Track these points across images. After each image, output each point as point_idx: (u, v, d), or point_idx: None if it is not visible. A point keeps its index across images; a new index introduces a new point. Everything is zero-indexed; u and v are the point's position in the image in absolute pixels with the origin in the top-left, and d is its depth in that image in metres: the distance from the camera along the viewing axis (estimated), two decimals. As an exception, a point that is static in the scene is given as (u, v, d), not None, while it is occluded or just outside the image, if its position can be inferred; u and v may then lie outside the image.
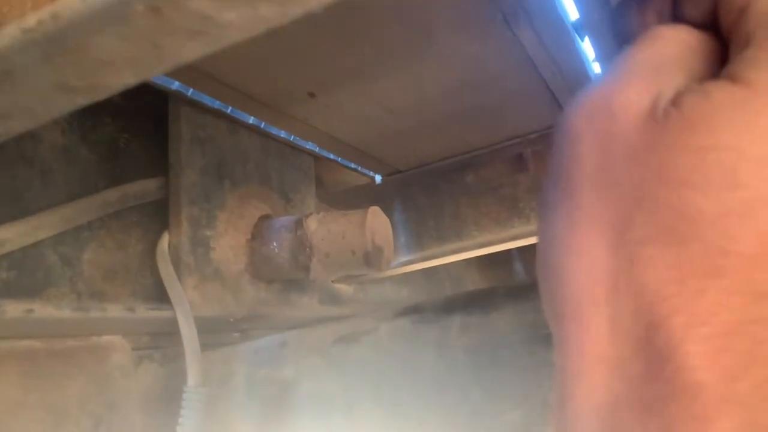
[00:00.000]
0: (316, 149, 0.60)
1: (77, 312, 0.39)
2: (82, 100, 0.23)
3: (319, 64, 0.43)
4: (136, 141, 0.49)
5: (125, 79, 0.22)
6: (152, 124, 0.50)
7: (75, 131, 0.45)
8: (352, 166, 0.66)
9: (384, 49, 0.42)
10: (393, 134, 0.57)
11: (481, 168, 0.64)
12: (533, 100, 0.52)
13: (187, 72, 0.43)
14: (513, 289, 0.40)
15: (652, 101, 0.16)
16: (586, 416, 0.15)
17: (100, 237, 0.45)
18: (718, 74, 0.16)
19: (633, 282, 0.15)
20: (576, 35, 0.44)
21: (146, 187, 0.47)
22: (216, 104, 0.49)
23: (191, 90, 0.46)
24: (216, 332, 0.52)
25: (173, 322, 0.43)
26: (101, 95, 0.23)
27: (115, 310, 0.41)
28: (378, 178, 0.69)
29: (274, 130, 0.55)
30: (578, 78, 0.48)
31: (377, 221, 0.48)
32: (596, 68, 0.47)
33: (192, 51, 0.21)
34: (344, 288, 0.68)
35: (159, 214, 0.48)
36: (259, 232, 0.51)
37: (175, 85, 0.45)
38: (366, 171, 0.68)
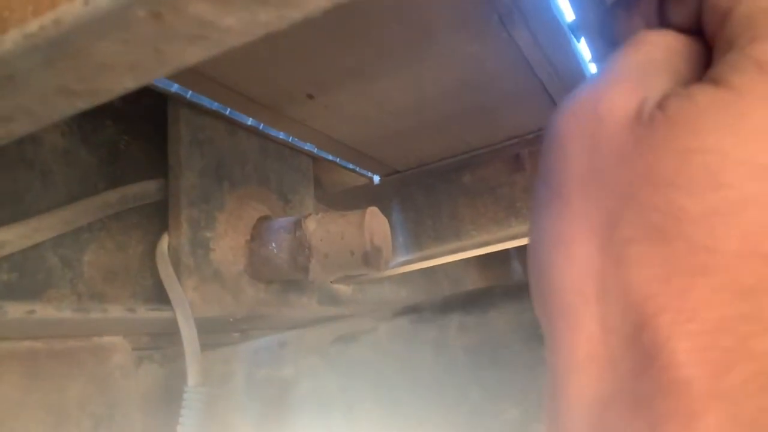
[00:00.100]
0: (315, 150, 0.61)
1: (78, 313, 0.39)
2: (83, 104, 0.23)
3: (317, 65, 0.43)
4: (136, 143, 0.49)
5: (126, 83, 0.22)
6: (152, 126, 0.50)
7: (75, 134, 0.45)
8: (351, 166, 0.66)
9: (382, 50, 0.42)
10: (391, 135, 0.57)
11: (478, 168, 0.64)
12: (530, 101, 0.52)
13: (186, 74, 0.43)
14: (511, 288, 0.40)
15: (638, 104, 0.16)
16: (577, 413, 0.15)
17: (100, 238, 0.45)
18: (703, 78, 0.16)
19: (620, 281, 0.15)
20: (572, 36, 0.45)
21: (146, 188, 0.48)
22: (215, 106, 0.49)
23: (190, 92, 0.46)
24: (216, 332, 0.52)
25: (173, 323, 0.43)
26: (102, 99, 0.23)
27: (115, 311, 0.41)
28: (376, 179, 0.69)
29: (273, 132, 0.55)
30: (574, 79, 0.48)
31: (376, 221, 0.49)
32: (592, 69, 0.47)
33: (192, 55, 0.21)
34: (343, 288, 0.69)
35: (159, 216, 0.48)
36: (258, 233, 0.51)
37: (175, 87, 0.45)
38: (364, 171, 0.68)
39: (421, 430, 0.38)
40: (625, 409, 0.14)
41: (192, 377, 0.42)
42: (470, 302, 0.41)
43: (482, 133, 0.60)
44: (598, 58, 0.42)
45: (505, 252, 0.78)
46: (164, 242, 0.46)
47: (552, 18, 0.42)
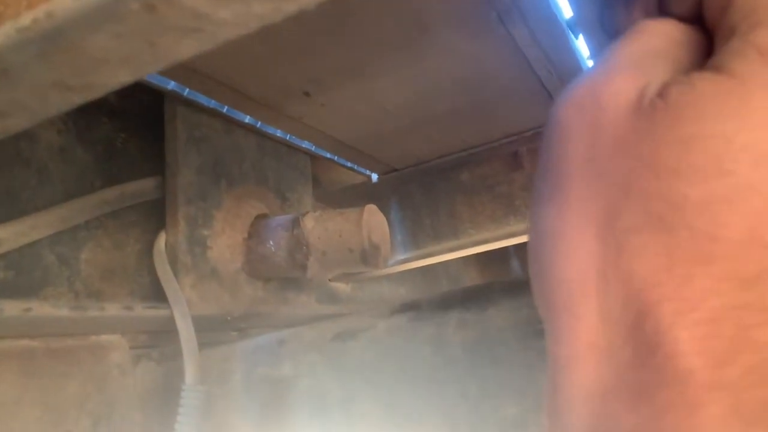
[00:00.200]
0: (313, 148, 0.61)
1: (75, 311, 0.39)
2: (79, 99, 0.23)
3: (314, 62, 0.43)
4: (133, 141, 0.49)
5: (121, 77, 0.22)
6: (148, 123, 0.50)
7: (71, 131, 0.45)
8: (349, 164, 0.66)
9: (379, 47, 0.42)
10: (389, 133, 0.57)
11: (476, 166, 0.64)
12: (528, 98, 0.52)
13: (182, 71, 0.43)
14: (509, 285, 0.40)
15: (639, 93, 0.16)
16: (578, 404, 0.15)
17: (97, 237, 0.45)
18: (704, 66, 0.16)
19: (622, 270, 0.15)
20: (570, 33, 0.44)
21: (143, 186, 0.47)
22: (212, 104, 0.49)
23: (187, 90, 0.46)
24: (213, 331, 0.52)
25: (171, 321, 0.43)
26: (97, 93, 0.23)
27: (112, 309, 0.41)
28: (374, 177, 0.69)
29: (270, 129, 0.55)
30: (573, 76, 0.48)
31: (374, 219, 0.49)
32: (590, 66, 0.47)
33: (187, 49, 0.21)
34: (341, 286, 0.69)
35: (156, 214, 0.48)
36: (255, 231, 0.51)
37: (171, 84, 0.45)
38: (362, 170, 0.68)
39: (420, 426, 0.38)
40: (626, 399, 0.14)
41: (190, 376, 0.42)
42: (469, 299, 0.41)
43: (480, 131, 0.60)
44: (596, 55, 0.42)
45: (504, 250, 0.78)
46: (161, 240, 0.46)
47: (550, 15, 0.41)
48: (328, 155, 0.63)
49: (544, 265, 0.17)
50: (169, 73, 0.43)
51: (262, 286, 0.52)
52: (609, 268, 0.15)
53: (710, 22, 0.18)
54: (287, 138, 0.57)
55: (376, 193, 0.68)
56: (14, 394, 0.38)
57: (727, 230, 0.14)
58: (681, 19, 0.19)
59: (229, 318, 0.49)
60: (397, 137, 0.58)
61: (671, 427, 0.13)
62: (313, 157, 0.63)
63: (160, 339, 0.49)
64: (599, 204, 0.16)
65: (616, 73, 0.17)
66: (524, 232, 0.61)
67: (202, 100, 0.48)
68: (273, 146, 0.57)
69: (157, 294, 0.45)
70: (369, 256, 0.47)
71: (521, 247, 0.72)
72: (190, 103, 0.48)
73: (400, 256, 0.67)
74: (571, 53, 0.46)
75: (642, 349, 0.14)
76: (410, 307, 0.42)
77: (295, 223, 0.49)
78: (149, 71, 0.22)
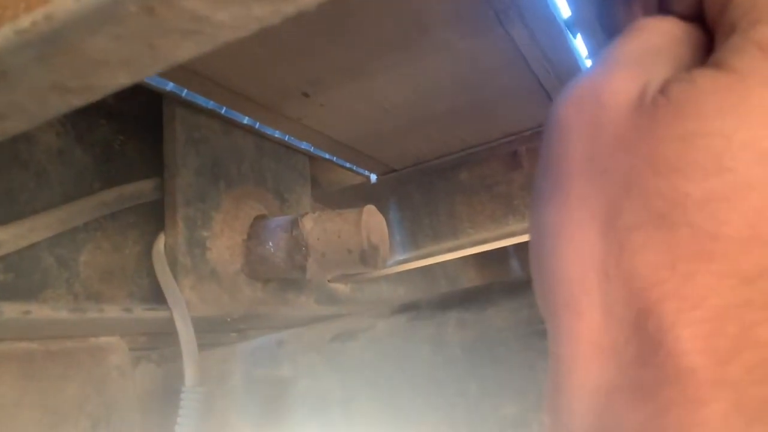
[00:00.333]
0: (311, 149, 0.61)
1: (74, 313, 0.39)
2: (78, 101, 0.23)
3: (312, 63, 0.43)
4: (131, 142, 0.49)
5: (120, 79, 0.22)
6: (147, 125, 0.50)
7: (70, 133, 0.45)
8: (347, 165, 0.66)
9: (377, 47, 0.42)
10: (387, 133, 0.57)
11: (475, 166, 0.64)
12: (527, 98, 0.52)
13: (181, 73, 0.43)
14: (509, 285, 0.40)
15: (639, 90, 0.16)
16: (580, 402, 0.15)
17: (96, 238, 0.45)
18: (705, 63, 0.16)
19: (623, 268, 0.15)
20: (568, 32, 0.45)
21: (142, 188, 0.47)
22: (210, 105, 0.49)
23: (185, 91, 0.46)
24: (213, 333, 0.52)
25: (170, 323, 0.43)
26: (96, 96, 0.23)
27: (112, 311, 0.41)
28: (373, 177, 0.69)
29: (269, 130, 0.55)
30: (571, 75, 0.48)
31: (373, 220, 0.49)
32: (589, 65, 0.47)
33: (186, 51, 0.21)
34: (341, 287, 0.69)
35: (155, 216, 0.48)
36: (254, 232, 0.51)
37: (170, 86, 0.45)
38: (361, 170, 0.68)
39: (420, 426, 0.38)
40: (629, 397, 0.14)
41: (189, 377, 0.42)
42: (468, 299, 0.41)
43: (479, 131, 0.60)
44: (595, 54, 0.42)
45: (503, 250, 0.78)
46: (160, 241, 0.46)
47: (548, 14, 0.42)
48: (327, 156, 0.63)
49: (545, 263, 0.17)
50: (168, 74, 0.43)
51: (261, 287, 0.52)
52: (611, 267, 0.15)
53: (710, 20, 0.18)
54: (286, 139, 0.57)
55: (375, 193, 0.68)
56: (13, 396, 0.38)
57: (728, 228, 0.14)
58: (681, 17, 0.19)
59: (228, 319, 0.49)
60: (395, 137, 0.58)
61: (674, 425, 0.13)
62: (312, 158, 0.63)
63: (159, 341, 0.49)
64: (600, 202, 0.16)
65: (616, 71, 0.17)
66: (523, 231, 0.61)
67: (201, 101, 0.48)
68: (272, 147, 0.57)
69: (156, 296, 0.45)
70: (368, 256, 0.47)
71: (520, 247, 0.72)
72: (188, 105, 0.48)
73: (399, 257, 0.67)
74: (570, 53, 0.46)
75: (644, 347, 0.14)
76: (409, 308, 0.42)
77: (294, 224, 0.49)
78: (148, 73, 0.22)
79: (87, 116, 0.46)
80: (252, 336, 0.53)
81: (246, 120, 0.53)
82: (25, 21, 0.19)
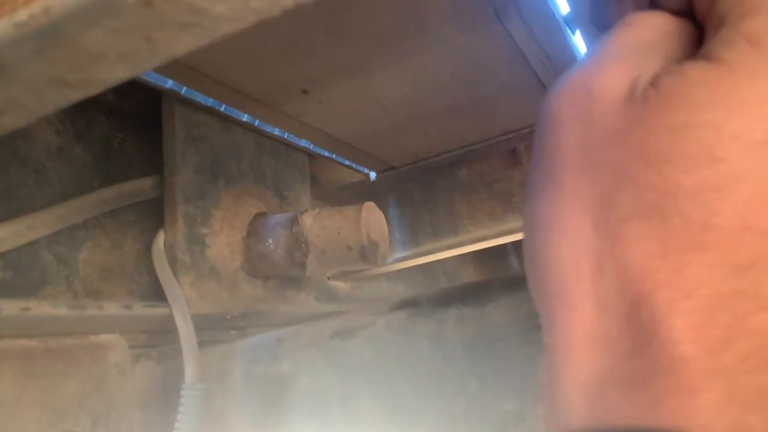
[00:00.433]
0: (311, 146, 0.61)
1: (74, 310, 0.39)
2: (76, 95, 0.23)
3: (312, 59, 0.43)
4: (130, 140, 0.49)
5: (119, 73, 0.22)
6: (146, 123, 0.50)
7: (69, 131, 0.45)
8: (347, 163, 0.66)
9: (375, 43, 0.42)
10: (386, 130, 0.57)
11: (474, 163, 0.64)
12: (526, 95, 0.52)
13: (180, 70, 0.43)
14: (508, 281, 0.40)
15: (630, 83, 0.16)
16: (575, 394, 0.15)
17: (95, 236, 0.45)
18: (695, 56, 0.16)
19: (616, 260, 0.15)
20: (567, 29, 0.45)
21: (141, 185, 0.47)
22: (209, 102, 0.49)
23: (184, 88, 0.46)
24: (213, 330, 0.52)
25: (170, 320, 0.43)
26: (95, 90, 0.23)
27: (111, 308, 0.41)
28: (372, 175, 0.69)
29: (268, 128, 0.55)
30: (570, 71, 0.48)
31: (372, 216, 0.49)
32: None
33: (184, 44, 0.21)
34: (341, 285, 0.69)
35: (154, 213, 0.48)
36: (254, 229, 0.51)
37: (169, 83, 0.45)
38: (360, 168, 0.68)
39: (419, 422, 0.38)
40: (623, 387, 0.14)
41: (189, 374, 0.42)
42: (467, 295, 0.41)
43: (478, 128, 0.60)
44: (589, 49, 0.42)
45: (503, 247, 0.78)
46: (160, 239, 0.46)
47: (547, 10, 0.42)
48: (326, 153, 0.63)
49: (538, 255, 0.17)
50: (167, 71, 0.43)
51: (261, 285, 0.52)
52: (603, 258, 0.16)
53: (700, 14, 0.18)
54: (285, 136, 0.57)
55: (375, 191, 0.68)
56: (13, 393, 0.38)
57: (720, 218, 0.14)
58: (672, 11, 0.19)
59: (228, 317, 0.49)
60: (394, 134, 0.58)
61: (667, 415, 0.14)
62: (312, 156, 0.63)
63: (159, 339, 0.49)
64: (593, 194, 0.16)
65: (607, 65, 0.17)
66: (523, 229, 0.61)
67: (200, 98, 0.48)
68: (271, 145, 0.57)
69: (155, 293, 0.45)
70: (368, 253, 0.47)
71: (520, 244, 0.71)
72: (187, 102, 0.48)
73: (399, 254, 0.67)
74: (568, 49, 0.46)
75: (637, 338, 0.14)
76: (409, 304, 0.42)
77: (294, 221, 0.49)
78: (147, 67, 0.22)
79: (86, 114, 0.46)
80: (252, 333, 0.53)
81: (245, 117, 0.53)
82: (23, 14, 0.19)
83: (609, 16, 0.21)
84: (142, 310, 0.43)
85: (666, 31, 0.18)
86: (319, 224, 0.48)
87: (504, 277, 0.40)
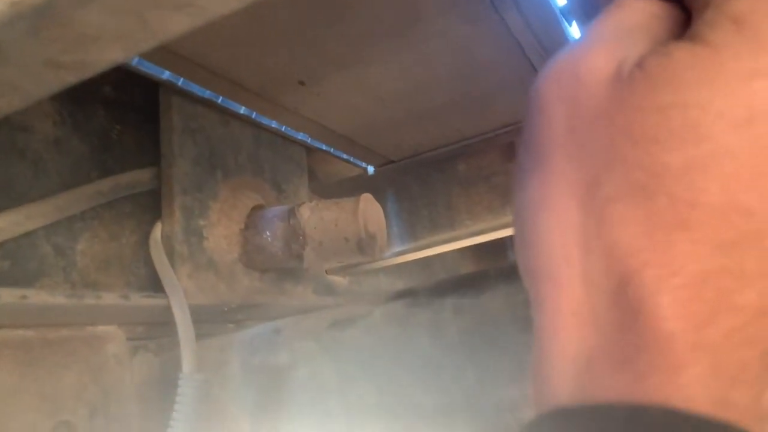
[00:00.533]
0: (308, 140, 0.61)
1: (72, 299, 0.39)
2: (71, 77, 0.23)
3: (308, 50, 0.43)
4: (128, 132, 0.49)
5: (113, 54, 0.22)
6: (144, 114, 0.50)
7: (67, 122, 0.45)
8: (345, 157, 0.66)
9: (374, 34, 0.42)
10: (384, 123, 0.57)
11: (472, 157, 0.64)
12: (523, 87, 0.52)
13: (177, 61, 0.43)
14: (505, 270, 0.40)
15: (617, 65, 0.16)
16: (562, 370, 0.15)
17: (93, 227, 0.45)
18: (681, 37, 0.16)
19: (604, 239, 0.15)
20: (564, 20, 0.45)
21: (139, 177, 0.47)
22: (207, 94, 0.49)
23: (182, 80, 0.46)
24: (210, 323, 0.52)
25: (167, 311, 0.43)
26: (90, 72, 0.23)
27: (109, 298, 0.41)
28: (370, 169, 0.69)
29: (266, 121, 0.55)
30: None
31: (370, 208, 0.49)
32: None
33: (179, 24, 0.21)
34: (339, 279, 0.69)
35: (151, 205, 0.48)
36: (252, 221, 0.51)
37: (166, 74, 0.45)
38: (358, 162, 0.68)
39: (417, 411, 0.38)
40: (610, 364, 0.15)
41: (187, 364, 0.42)
42: (464, 285, 0.41)
43: (476, 122, 0.60)
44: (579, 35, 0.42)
45: (501, 241, 0.78)
46: (158, 230, 0.46)
47: (543, 1, 0.42)
48: (324, 147, 0.63)
49: (527, 235, 0.17)
50: (164, 62, 0.44)
51: (258, 277, 0.52)
52: (591, 237, 0.16)
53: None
54: (283, 129, 0.57)
55: (373, 185, 0.68)
56: (11, 384, 0.38)
57: (705, 196, 0.14)
58: None
59: (225, 308, 0.49)
60: (392, 128, 0.58)
61: (654, 389, 0.14)
62: (310, 150, 0.63)
63: (156, 331, 0.49)
64: (580, 174, 0.16)
65: (594, 47, 0.17)
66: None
67: (197, 90, 0.48)
68: (269, 138, 0.57)
69: (153, 285, 0.45)
70: (365, 245, 0.47)
71: (518, 238, 0.71)
72: (185, 94, 0.48)
73: (397, 248, 0.67)
74: (565, 40, 0.46)
75: (625, 314, 0.15)
76: (407, 294, 0.42)
77: (292, 213, 0.49)
78: (142, 48, 0.22)
79: (84, 105, 0.46)
80: (249, 326, 0.53)
81: (243, 110, 0.53)
82: (17, -7, 0.19)
83: (598, 1, 0.21)
84: (139, 300, 0.43)
85: (652, 14, 0.18)
86: (317, 216, 0.48)
87: (501, 267, 0.40)
